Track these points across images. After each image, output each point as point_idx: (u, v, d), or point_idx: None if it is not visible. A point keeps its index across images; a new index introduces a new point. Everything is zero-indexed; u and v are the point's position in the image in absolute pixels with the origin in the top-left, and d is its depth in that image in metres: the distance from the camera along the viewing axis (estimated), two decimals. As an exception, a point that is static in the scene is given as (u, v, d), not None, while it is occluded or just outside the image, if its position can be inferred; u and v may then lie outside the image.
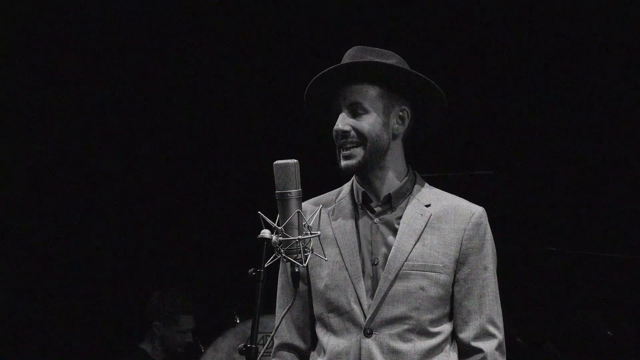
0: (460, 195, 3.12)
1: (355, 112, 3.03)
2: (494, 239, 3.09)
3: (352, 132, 3.02)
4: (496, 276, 3.07)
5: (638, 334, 5.37)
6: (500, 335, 3.04)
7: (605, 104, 5.87)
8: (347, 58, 3.06)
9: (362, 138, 3.02)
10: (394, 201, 3.07)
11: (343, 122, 3.03)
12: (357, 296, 3.01)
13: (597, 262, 5.46)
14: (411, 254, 3.01)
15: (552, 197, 5.91)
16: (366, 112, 3.03)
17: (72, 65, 6.10)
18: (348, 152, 3.03)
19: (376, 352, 2.99)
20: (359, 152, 3.03)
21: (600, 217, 5.83)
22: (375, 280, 3.02)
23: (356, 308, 3.01)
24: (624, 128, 5.87)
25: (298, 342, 3.14)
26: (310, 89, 3.08)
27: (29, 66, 6.06)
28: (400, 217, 3.05)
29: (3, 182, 6.08)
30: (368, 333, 3.00)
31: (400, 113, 3.07)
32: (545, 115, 5.94)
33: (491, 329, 3.03)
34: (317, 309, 3.08)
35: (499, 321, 3.06)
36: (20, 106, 6.09)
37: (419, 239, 3.02)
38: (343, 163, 3.04)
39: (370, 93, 3.03)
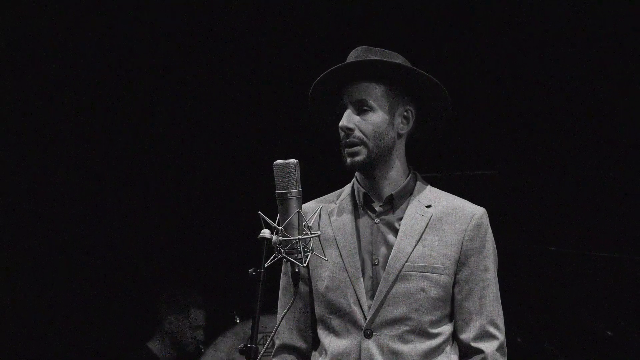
0: (462, 196, 3.12)
1: (361, 109, 3.03)
2: (496, 239, 3.08)
3: (357, 131, 3.02)
4: (497, 277, 3.07)
5: (638, 334, 5.36)
6: (501, 336, 3.04)
7: (607, 104, 5.87)
8: (352, 57, 3.06)
9: (365, 138, 3.02)
10: (396, 202, 3.06)
11: (348, 119, 3.03)
12: (357, 297, 3.01)
13: (597, 262, 5.45)
14: (411, 255, 3.00)
15: (553, 197, 5.90)
16: (372, 109, 3.03)
17: (70, 65, 6.09)
18: (352, 149, 3.02)
19: (376, 353, 2.98)
20: (363, 150, 3.02)
21: (600, 217, 5.82)
22: (375, 280, 3.02)
23: (356, 309, 3.00)
24: (625, 128, 5.87)
25: (299, 343, 3.13)
26: (314, 89, 3.08)
27: (28, 65, 6.06)
28: (401, 218, 3.04)
29: (16, 179, 6.09)
30: (368, 334, 3.00)
31: (405, 113, 3.07)
32: (548, 115, 5.94)
33: (492, 329, 3.03)
34: (319, 310, 3.07)
35: (500, 322, 3.05)
36: (24, 104, 6.09)
37: (419, 240, 3.02)
38: (349, 160, 3.03)
39: (376, 91, 3.03)
